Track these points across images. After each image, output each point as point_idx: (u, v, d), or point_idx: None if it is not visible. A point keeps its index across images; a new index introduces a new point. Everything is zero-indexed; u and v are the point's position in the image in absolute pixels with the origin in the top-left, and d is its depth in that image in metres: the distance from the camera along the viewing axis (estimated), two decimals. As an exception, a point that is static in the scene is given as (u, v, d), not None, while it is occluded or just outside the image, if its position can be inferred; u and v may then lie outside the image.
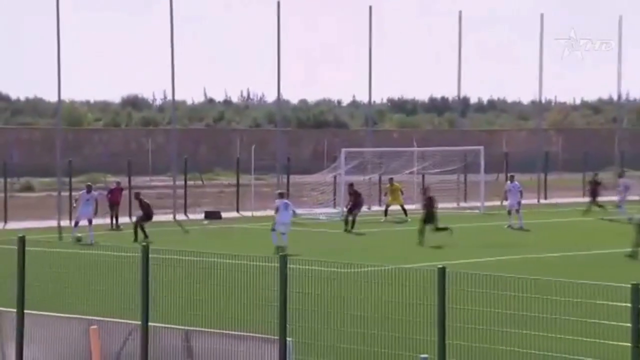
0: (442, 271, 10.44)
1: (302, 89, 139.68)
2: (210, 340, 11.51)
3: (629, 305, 9.37)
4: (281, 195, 28.76)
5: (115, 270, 13.41)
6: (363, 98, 62.03)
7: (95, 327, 12.02)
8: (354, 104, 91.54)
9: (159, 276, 12.37)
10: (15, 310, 12.86)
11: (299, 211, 40.28)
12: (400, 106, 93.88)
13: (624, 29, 50.27)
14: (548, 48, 49.24)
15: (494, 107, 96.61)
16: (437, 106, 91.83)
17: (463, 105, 66.58)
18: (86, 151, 62.86)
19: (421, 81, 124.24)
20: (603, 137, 65.89)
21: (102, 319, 12.41)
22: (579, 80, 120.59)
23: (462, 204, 44.08)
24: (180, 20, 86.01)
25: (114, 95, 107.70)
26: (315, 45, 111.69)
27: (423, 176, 45.33)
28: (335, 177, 42.83)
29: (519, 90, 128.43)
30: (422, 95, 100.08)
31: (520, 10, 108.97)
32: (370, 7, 44.80)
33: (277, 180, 42.79)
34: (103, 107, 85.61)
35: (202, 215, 38.38)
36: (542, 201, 45.46)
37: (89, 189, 30.78)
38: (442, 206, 42.53)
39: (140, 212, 30.93)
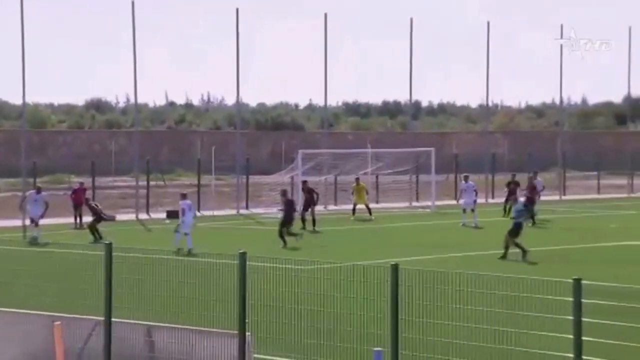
0: (395, 268, 10.46)
1: (260, 92, 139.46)
2: (172, 336, 11.44)
3: (571, 299, 9.46)
4: (184, 197, 27.93)
5: (78, 268, 13.28)
6: (319, 101, 62.11)
7: (58, 323, 11.89)
8: (311, 107, 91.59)
9: (121, 274, 12.26)
10: (-20, 307, 12.69)
11: (257, 210, 40.27)
12: (354, 109, 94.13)
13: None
14: (495, 54, 49.70)
15: (444, 110, 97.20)
16: (390, 109, 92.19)
17: (415, 108, 66.86)
18: (50, 152, 62.20)
19: (375, 86, 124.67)
20: (546, 139, 66.61)
21: (65, 315, 12.28)
22: (524, 85, 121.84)
23: (414, 203, 44.32)
24: (143, 25, 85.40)
25: (78, 98, 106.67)
26: (274, 50, 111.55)
27: (377, 177, 45.51)
28: (292, 178, 42.86)
29: (468, 94, 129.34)
30: (376, 99, 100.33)
31: (468, 18, 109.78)
32: (325, 14, 44.93)
33: (236, 180, 42.68)
34: (67, 109, 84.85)
35: (164, 215, 38.16)
36: (490, 200, 45.80)
37: (39, 190, 30.35)
38: (395, 205, 42.89)
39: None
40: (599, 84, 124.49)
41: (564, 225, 34.00)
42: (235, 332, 10.93)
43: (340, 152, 45.83)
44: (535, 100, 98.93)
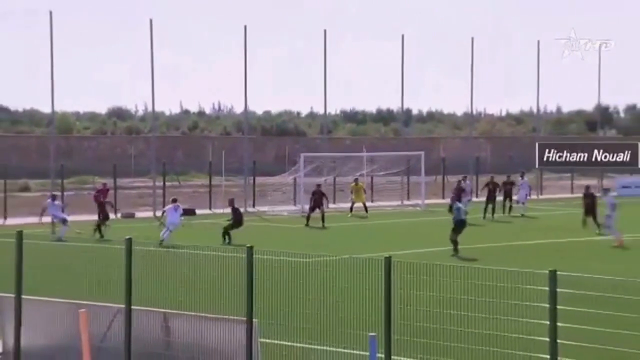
0: (388, 260, 10.48)
1: (266, 101, 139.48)
2: (186, 322, 11.45)
3: (547, 289, 9.47)
4: (174, 201, 28.82)
5: (101, 260, 13.28)
6: (319, 109, 62.10)
7: (84, 310, 11.89)
8: (312, 114, 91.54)
9: (140, 266, 12.27)
10: (13, 295, 12.70)
11: (263, 208, 40.26)
12: (351, 117, 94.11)
13: (541, 52, 50.88)
14: (478, 66, 49.72)
15: (433, 117, 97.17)
16: (384, 117, 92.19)
17: (406, 116, 66.85)
18: (76, 156, 62.16)
19: (370, 95, 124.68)
20: (524, 144, 66.51)
21: (90, 303, 12.29)
22: (505, 95, 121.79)
23: (406, 202, 44.36)
24: (160, 39, 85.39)
25: (101, 106, 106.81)
26: (278, 62, 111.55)
27: (372, 178, 45.51)
28: (295, 179, 42.88)
29: (454, 103, 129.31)
30: (371, 107, 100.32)
31: (453, 34, 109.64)
32: (325, 30, 44.99)
33: (244, 181, 42.72)
34: (91, 117, 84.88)
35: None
36: (474, 199, 45.77)
37: (54, 197, 29.83)
38: (388, 204, 42.85)
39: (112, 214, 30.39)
40: (572, 94, 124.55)
41: (541, 222, 34.00)
42: (243, 318, 10.94)
43: (338, 156, 45.85)
44: (515, 108, 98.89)
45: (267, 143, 70.24)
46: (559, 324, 9.41)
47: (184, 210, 38.11)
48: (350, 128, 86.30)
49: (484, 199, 36.35)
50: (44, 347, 12.40)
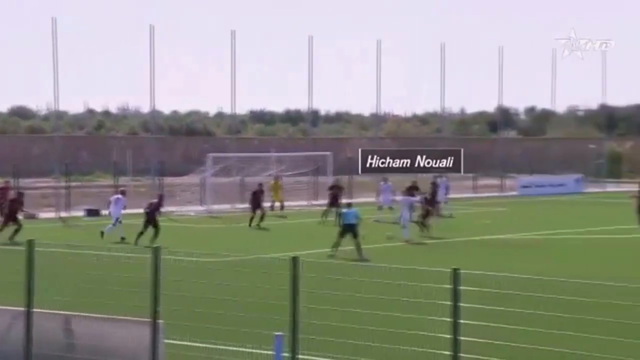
0: (295, 260, 10.46)
1: (174, 100, 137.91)
2: (89, 324, 11.18)
3: (450, 286, 9.61)
4: (122, 193, 29.36)
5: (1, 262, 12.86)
6: (227, 110, 61.80)
7: (-19, 314, 11.48)
8: (220, 115, 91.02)
9: (41, 267, 11.93)
10: None
11: (171, 208, 39.75)
12: (260, 117, 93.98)
13: (445, 55, 51.82)
14: (385, 68, 50.28)
15: (340, 118, 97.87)
16: (292, 117, 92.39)
17: (314, 116, 67.17)
18: (-24, 156, 60.13)
19: (278, 95, 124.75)
20: (430, 145, 67.52)
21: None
22: (411, 96, 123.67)
23: (313, 202, 44.51)
24: (63, 38, 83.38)
25: (2, 105, 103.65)
26: (186, 61, 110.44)
27: (280, 178, 45.48)
28: (203, 179, 42.53)
29: (361, 104, 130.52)
30: (279, 108, 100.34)
31: (360, 34, 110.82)
32: (233, 31, 44.78)
33: (152, 181, 42.13)
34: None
35: (83, 213, 37.39)
36: (380, 199, 46.25)
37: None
38: (296, 204, 42.90)
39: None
40: (474, 96, 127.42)
41: (444, 221, 34.59)
42: (148, 319, 10.75)
43: (246, 156, 45.68)
44: (420, 109, 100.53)
45: (175, 143, 69.40)
46: (461, 320, 9.56)
47: (87, 210, 37.40)
48: (258, 128, 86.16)
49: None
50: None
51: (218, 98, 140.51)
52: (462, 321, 9.56)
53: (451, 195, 49.41)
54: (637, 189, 30.69)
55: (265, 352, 10.92)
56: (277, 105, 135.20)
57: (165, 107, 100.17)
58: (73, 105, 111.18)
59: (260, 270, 11.62)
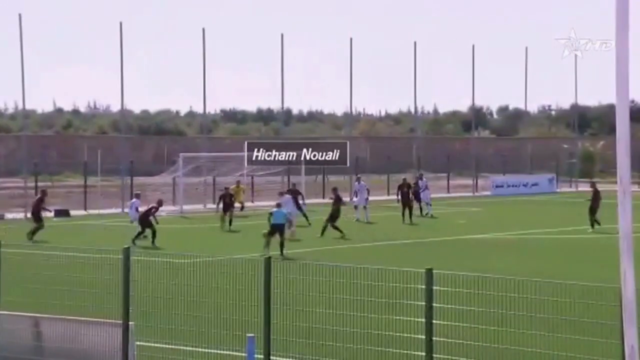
0: (268, 260, 10.46)
1: (144, 99, 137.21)
2: (59, 326, 11.11)
3: (424, 287, 9.66)
4: (136, 196, 29.80)
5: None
6: (199, 109, 61.56)
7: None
8: (191, 114, 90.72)
9: (9, 269, 11.83)
10: None
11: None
12: (231, 116, 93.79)
13: (418, 54, 51.95)
14: (358, 67, 50.40)
15: (313, 117, 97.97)
16: (264, 116, 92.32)
17: (286, 115, 67.14)
18: (-60, 155, 59.43)
19: (250, 94, 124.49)
20: (403, 145, 67.91)
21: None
22: (383, 95, 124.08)
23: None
24: (30, 35, 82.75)
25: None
26: (157, 60, 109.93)
27: (252, 178, 45.47)
28: (174, 179, 42.36)
29: (334, 103, 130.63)
30: (251, 107, 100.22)
31: (333, 34, 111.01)
32: (204, 29, 44.70)
33: (121, 182, 41.91)
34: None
35: (52, 214, 37.11)
36: (355, 199, 46.37)
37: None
38: (269, 204, 42.78)
39: None
40: (448, 95, 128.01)
41: (418, 221, 34.75)
42: (119, 321, 10.71)
43: (218, 156, 45.56)
44: (393, 109, 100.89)
45: (145, 142, 69.08)
46: (435, 321, 9.62)
47: (56, 211, 37.13)
48: (230, 127, 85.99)
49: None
50: None
51: (189, 97, 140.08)
52: (435, 321, 9.63)
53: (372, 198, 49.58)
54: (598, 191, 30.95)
55: (238, 354, 10.92)
56: (248, 104, 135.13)
57: (136, 106, 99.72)
58: (41, 104, 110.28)
59: (232, 271, 11.61)
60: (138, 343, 11.01)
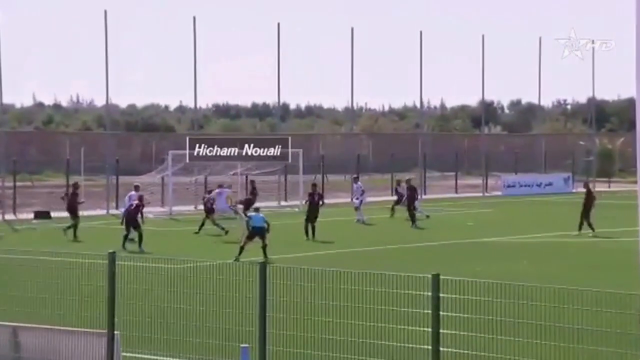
0: (263, 266, 10.45)
1: (130, 94, 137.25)
2: (39, 336, 11.10)
3: (430, 293, 9.65)
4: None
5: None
6: (189, 103, 61.56)
7: None
8: (181, 108, 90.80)
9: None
10: None
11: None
12: (224, 111, 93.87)
13: (423, 45, 51.95)
14: (359, 59, 50.41)
15: (312, 112, 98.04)
16: (259, 112, 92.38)
17: (283, 111, 67.16)
18: None
19: (244, 88, 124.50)
20: (408, 141, 67.91)
21: None
22: (387, 89, 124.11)
23: (283, 203, 44.49)
24: (9, 25, 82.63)
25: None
26: (144, 51, 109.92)
27: (246, 177, 45.46)
28: (163, 178, 42.35)
29: (334, 97, 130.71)
30: (245, 102, 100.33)
31: (333, 25, 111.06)
32: (194, 17, 44.67)
33: (107, 181, 41.89)
34: None
35: (32, 215, 37.10)
36: (355, 200, 46.37)
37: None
38: (264, 205, 42.87)
39: None
40: (456, 89, 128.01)
41: (425, 223, 34.75)
42: (104, 331, 10.70)
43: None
44: (398, 103, 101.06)
45: (132, 139, 69.12)
46: (442, 330, 9.61)
47: (36, 212, 37.10)
48: (223, 123, 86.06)
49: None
50: None
51: (179, 91, 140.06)
52: (443, 331, 9.62)
53: (432, 196, 49.75)
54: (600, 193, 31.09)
55: (232, 365, 10.91)
56: (243, 98, 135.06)
57: (122, 100, 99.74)
58: (20, 98, 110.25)
59: (225, 277, 11.61)
60: (124, 354, 11.00)
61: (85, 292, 12.01)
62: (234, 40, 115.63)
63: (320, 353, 11.29)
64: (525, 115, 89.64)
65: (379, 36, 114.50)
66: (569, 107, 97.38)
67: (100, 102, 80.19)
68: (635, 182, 5.29)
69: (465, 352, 10.42)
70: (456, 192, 53.19)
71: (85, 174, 42.13)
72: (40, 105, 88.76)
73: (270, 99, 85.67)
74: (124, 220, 27.03)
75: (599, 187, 54.97)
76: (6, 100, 54.49)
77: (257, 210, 25.71)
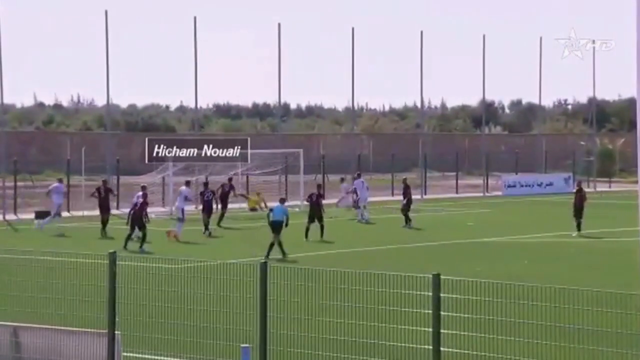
0: (263, 266, 10.45)
1: (131, 94, 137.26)
2: (40, 336, 11.10)
3: (430, 293, 9.65)
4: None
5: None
6: (190, 103, 61.58)
7: None
8: (182, 108, 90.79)
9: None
10: None
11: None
12: (225, 111, 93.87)
13: (424, 45, 51.92)
14: (360, 58, 50.43)
15: (312, 112, 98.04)
16: (260, 112, 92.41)
17: (284, 111, 67.17)
18: None
19: (245, 88, 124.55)
20: (408, 141, 67.93)
21: None
22: (387, 88, 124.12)
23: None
24: (9, 25, 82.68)
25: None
26: (144, 51, 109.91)
27: (247, 177, 45.49)
28: (163, 178, 42.35)
29: (335, 97, 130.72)
30: (246, 101, 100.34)
31: (333, 24, 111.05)
32: (195, 17, 44.68)
33: (107, 181, 41.85)
34: None
35: (33, 215, 37.08)
36: (357, 201, 46.36)
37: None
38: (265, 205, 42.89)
39: None
40: (456, 88, 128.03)
41: (425, 223, 34.75)
42: (104, 331, 10.71)
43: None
44: (398, 103, 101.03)
45: (132, 139, 69.04)
46: (443, 330, 9.61)
47: (36, 212, 37.10)
48: (223, 123, 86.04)
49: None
50: None
51: (179, 91, 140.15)
52: (443, 331, 9.62)
53: (432, 196, 49.74)
54: (590, 193, 31.09)
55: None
56: (244, 98, 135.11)
57: (122, 100, 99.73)
58: (21, 98, 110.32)
59: (226, 277, 11.61)
60: (125, 354, 11.01)
61: (86, 292, 12.02)
62: (234, 40, 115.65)
63: (321, 353, 11.29)
64: (526, 115, 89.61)
65: (379, 36, 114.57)
66: (569, 107, 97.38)
67: (100, 102, 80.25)
68: (636, 182, 5.30)
69: (466, 352, 10.43)
70: (457, 192, 53.18)
71: (85, 174, 42.14)
72: (40, 105, 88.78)
73: (271, 99, 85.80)
74: (129, 220, 27.02)
75: (600, 187, 54.96)
76: (7, 100, 54.69)
77: (282, 201, 25.51)
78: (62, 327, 11.19)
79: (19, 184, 41.20)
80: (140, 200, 27.33)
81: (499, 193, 52.64)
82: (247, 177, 45.43)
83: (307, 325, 11.55)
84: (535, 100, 63.12)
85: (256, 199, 40.11)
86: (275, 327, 10.79)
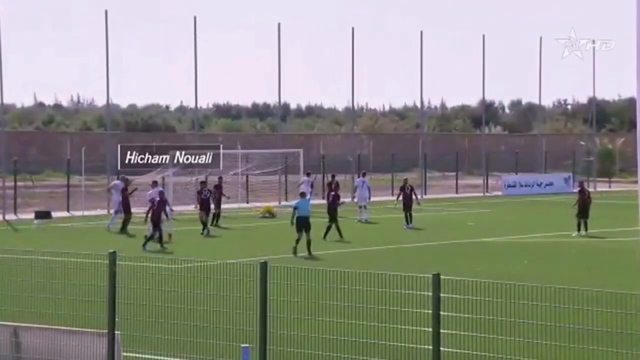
0: (263, 265, 10.46)
1: (131, 93, 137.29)
2: (40, 336, 11.10)
3: (430, 293, 9.65)
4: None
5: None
6: (190, 103, 61.60)
7: None
8: (182, 108, 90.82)
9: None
10: None
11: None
12: (225, 111, 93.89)
13: (424, 45, 51.76)
14: (359, 59, 50.41)
15: (312, 112, 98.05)
16: (260, 112, 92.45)
17: (283, 111, 67.20)
18: None
19: (245, 88, 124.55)
20: (408, 141, 67.93)
21: None
22: (387, 89, 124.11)
23: (284, 203, 44.45)
24: (10, 25, 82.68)
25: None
26: (145, 51, 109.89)
27: (247, 177, 45.51)
28: (163, 178, 42.35)
29: (335, 97, 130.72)
30: (246, 102, 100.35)
31: (334, 24, 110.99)
32: (195, 17, 44.68)
33: (107, 181, 41.88)
34: None
35: (33, 215, 37.09)
36: (356, 200, 46.38)
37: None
38: (265, 205, 42.93)
39: None
40: (456, 89, 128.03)
41: (425, 223, 34.76)
42: (104, 331, 10.71)
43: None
44: (398, 103, 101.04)
45: (132, 139, 69.06)
46: (442, 330, 9.61)
47: (36, 212, 37.12)
48: (223, 123, 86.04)
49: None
50: None
51: (179, 91, 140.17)
52: (443, 331, 9.62)
53: (432, 196, 49.74)
54: (592, 193, 31.04)
55: (232, 365, 10.92)
56: (243, 98, 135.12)
57: (122, 100, 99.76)
58: (21, 98, 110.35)
59: (226, 277, 11.61)
60: (125, 354, 11.01)
61: (86, 292, 12.02)
62: (234, 40, 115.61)
63: (321, 353, 11.29)
64: (526, 115, 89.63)
65: (379, 36, 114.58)
66: (569, 107, 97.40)
67: (100, 102, 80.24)
68: (636, 182, 5.30)
69: (466, 352, 10.43)
70: (456, 192, 53.18)
71: (85, 174, 42.14)
72: (40, 105, 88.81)
73: (271, 99, 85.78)
74: (149, 218, 26.52)
75: (600, 187, 54.97)
76: (7, 100, 54.72)
77: (303, 195, 24.47)
78: (62, 327, 11.19)
79: (19, 184, 41.20)
80: (157, 198, 27.17)
81: (499, 193, 52.65)
82: (247, 177, 45.41)
83: (307, 325, 11.56)
84: (535, 100, 63.10)
85: (269, 208, 39.90)
86: (275, 327, 10.79)
